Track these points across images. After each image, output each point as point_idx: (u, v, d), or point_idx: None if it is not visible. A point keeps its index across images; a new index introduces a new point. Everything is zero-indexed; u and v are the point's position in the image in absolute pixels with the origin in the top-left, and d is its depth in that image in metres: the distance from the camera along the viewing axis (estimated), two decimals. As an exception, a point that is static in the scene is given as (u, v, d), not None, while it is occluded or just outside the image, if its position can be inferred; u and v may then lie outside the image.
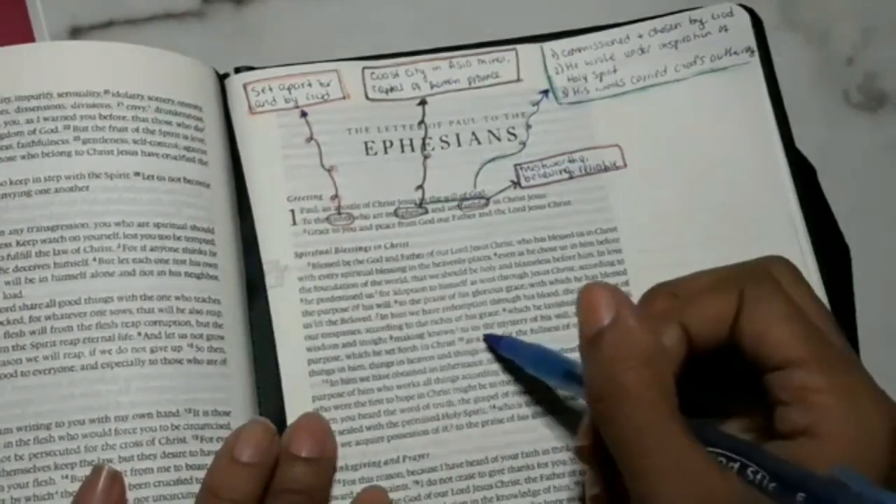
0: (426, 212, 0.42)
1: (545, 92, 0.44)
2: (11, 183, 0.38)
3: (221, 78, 0.43)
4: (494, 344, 0.40)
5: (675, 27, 0.45)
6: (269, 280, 0.40)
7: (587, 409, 0.33)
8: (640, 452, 0.29)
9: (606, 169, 0.43)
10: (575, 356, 0.40)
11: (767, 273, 0.34)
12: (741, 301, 0.33)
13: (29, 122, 0.39)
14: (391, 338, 0.40)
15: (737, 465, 0.30)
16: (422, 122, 0.43)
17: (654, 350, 0.30)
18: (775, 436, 0.31)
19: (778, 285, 0.33)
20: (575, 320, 0.40)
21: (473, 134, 0.43)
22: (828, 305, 0.41)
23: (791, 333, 0.32)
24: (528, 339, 0.40)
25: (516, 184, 0.43)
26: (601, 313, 0.31)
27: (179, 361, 0.37)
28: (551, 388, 0.39)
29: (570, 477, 0.39)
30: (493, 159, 0.43)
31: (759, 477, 0.30)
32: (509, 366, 0.40)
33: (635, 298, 0.41)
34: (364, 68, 0.44)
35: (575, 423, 0.40)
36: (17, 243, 0.37)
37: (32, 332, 0.37)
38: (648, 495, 0.29)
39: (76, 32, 0.46)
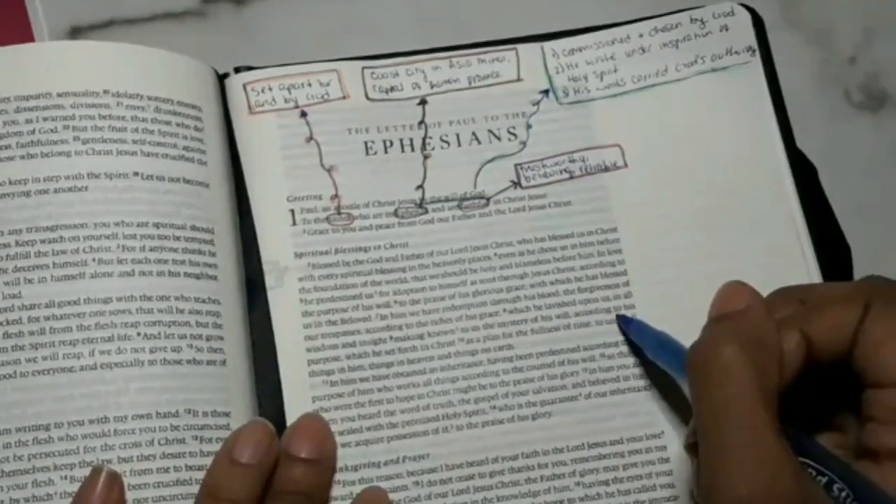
0: (426, 212, 0.42)
1: (546, 91, 0.44)
2: (10, 183, 0.38)
3: (221, 78, 0.43)
4: (625, 325, 0.40)
5: (676, 26, 0.45)
6: (269, 280, 0.40)
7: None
8: (723, 422, 0.29)
9: (607, 169, 0.43)
10: (590, 352, 0.40)
11: (890, 291, 0.33)
12: (864, 313, 0.32)
13: (28, 121, 0.38)
14: (391, 338, 0.40)
15: (825, 480, 0.30)
16: (422, 121, 0.43)
17: (769, 340, 0.31)
18: (861, 454, 0.31)
19: None
20: (575, 320, 0.41)
21: (473, 134, 0.43)
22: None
23: None
24: (528, 339, 0.40)
25: (516, 184, 0.43)
26: (736, 302, 0.32)
27: (179, 362, 0.37)
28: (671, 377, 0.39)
29: (570, 478, 0.39)
30: (493, 159, 0.43)
31: (843, 495, 0.30)
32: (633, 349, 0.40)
33: (636, 298, 0.41)
34: (364, 68, 0.43)
35: (575, 424, 0.40)
36: (17, 243, 0.37)
37: (32, 333, 0.37)
38: (719, 467, 0.29)
39: (76, 32, 0.46)
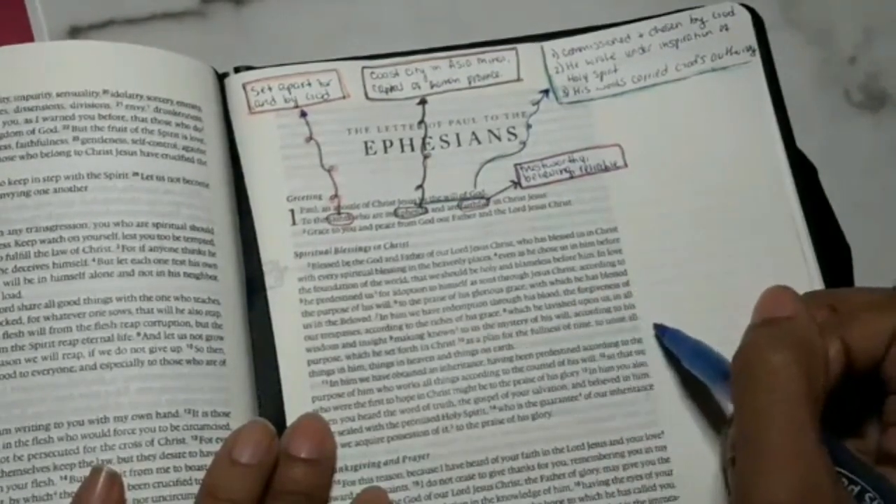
0: (426, 212, 0.42)
1: (545, 91, 0.44)
2: (10, 183, 0.38)
3: (221, 77, 0.43)
4: (661, 333, 0.40)
5: (676, 26, 0.45)
6: (269, 280, 0.40)
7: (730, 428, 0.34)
8: (767, 426, 0.29)
9: (607, 169, 0.43)
10: (590, 352, 0.40)
11: None
12: None
13: (28, 121, 0.38)
14: (391, 338, 0.40)
15: (857, 489, 0.30)
16: (422, 121, 0.43)
17: (816, 347, 0.31)
18: (882, 459, 0.31)
19: None
20: (575, 320, 0.41)
21: (473, 134, 0.43)
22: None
23: None
24: (528, 339, 0.40)
25: (516, 184, 0.43)
26: (784, 306, 0.32)
27: (179, 362, 0.37)
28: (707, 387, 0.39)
29: (570, 478, 0.39)
30: (493, 159, 0.43)
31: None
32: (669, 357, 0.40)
33: (636, 298, 0.41)
34: (364, 68, 0.43)
35: (575, 424, 0.40)
36: (16, 243, 0.37)
37: (31, 333, 0.37)
38: (760, 470, 0.29)
39: (75, 32, 0.46)
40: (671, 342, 0.40)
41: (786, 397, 0.30)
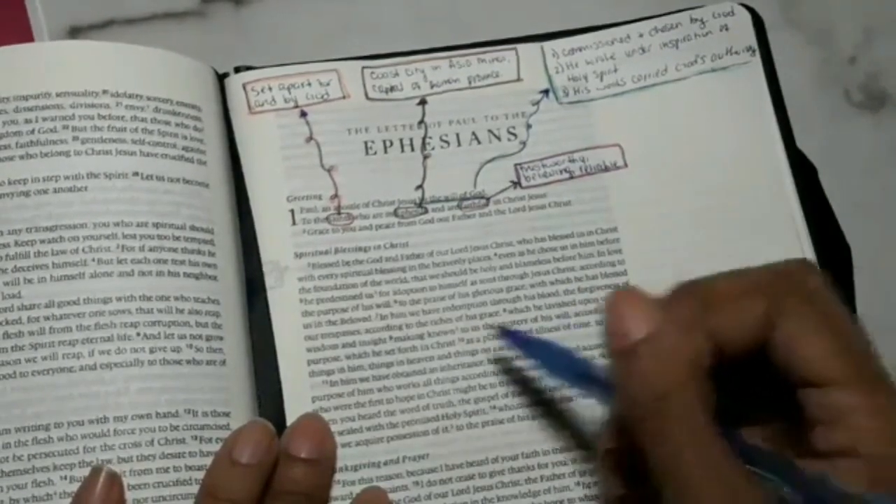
0: (426, 212, 0.42)
1: (545, 91, 0.44)
2: (10, 183, 0.38)
3: (221, 77, 0.43)
4: (507, 336, 0.39)
5: (676, 26, 0.45)
6: (269, 280, 0.40)
7: (609, 414, 0.33)
8: (681, 467, 0.29)
9: (607, 169, 0.43)
10: (590, 353, 0.40)
11: (798, 281, 0.33)
12: (773, 310, 0.31)
13: (27, 121, 0.38)
14: (391, 338, 0.40)
15: (768, 481, 0.30)
16: (422, 121, 0.43)
17: (696, 365, 0.30)
18: (810, 453, 0.31)
19: (810, 295, 0.32)
20: (575, 320, 0.41)
21: (473, 134, 0.43)
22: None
23: (827, 350, 0.31)
24: (529, 339, 0.40)
25: (516, 184, 0.43)
26: (636, 324, 0.30)
27: (178, 362, 0.37)
28: (555, 386, 0.39)
29: (570, 478, 0.39)
30: (493, 159, 0.43)
31: (795, 498, 0.29)
32: (508, 366, 0.40)
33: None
34: (364, 68, 0.43)
35: (575, 424, 0.39)
36: (16, 243, 0.37)
37: (31, 333, 0.37)
38: None
39: (75, 32, 0.46)
40: (520, 344, 0.39)
41: (688, 430, 0.29)
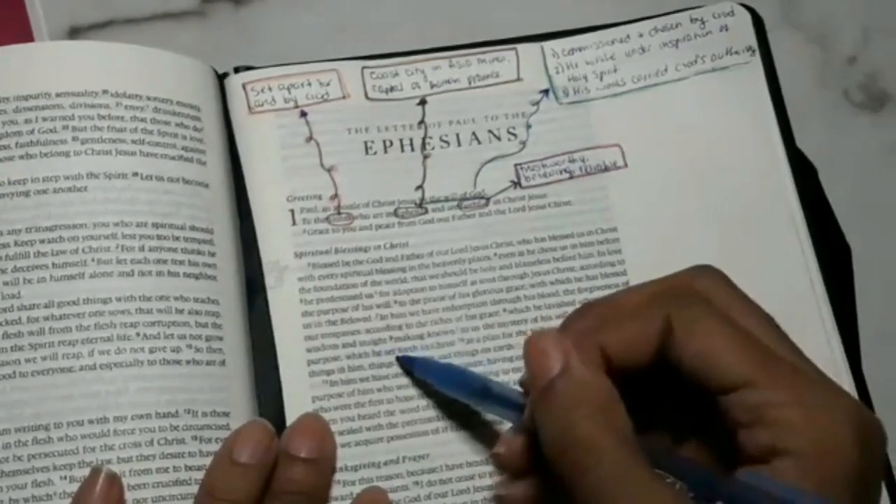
0: (426, 212, 0.42)
1: (545, 91, 0.44)
2: (10, 183, 0.38)
3: (221, 77, 0.43)
4: (409, 365, 0.39)
5: (676, 26, 0.45)
6: (269, 280, 0.40)
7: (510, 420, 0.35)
8: (606, 500, 0.29)
9: (607, 169, 0.43)
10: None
11: (693, 289, 0.33)
12: (670, 324, 0.32)
13: (27, 121, 0.38)
14: (391, 338, 0.40)
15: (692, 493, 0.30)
16: (422, 121, 0.43)
17: (607, 394, 0.30)
18: (745, 460, 0.30)
19: (708, 302, 0.32)
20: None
21: (473, 134, 0.43)
22: (829, 304, 0.41)
23: (734, 354, 0.31)
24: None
25: (516, 184, 0.43)
26: (550, 363, 0.31)
27: (178, 362, 0.37)
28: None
29: (570, 478, 0.39)
30: (493, 159, 0.43)
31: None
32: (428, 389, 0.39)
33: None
34: (364, 68, 0.43)
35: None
36: (16, 243, 0.37)
37: (31, 333, 0.37)
38: None
39: (75, 32, 0.46)
40: (422, 371, 0.39)
41: (613, 464, 0.29)
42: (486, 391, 0.36)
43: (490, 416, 0.39)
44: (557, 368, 0.31)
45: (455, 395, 0.38)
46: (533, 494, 0.33)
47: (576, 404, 0.30)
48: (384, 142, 0.43)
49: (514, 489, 0.34)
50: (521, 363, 0.40)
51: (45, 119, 0.38)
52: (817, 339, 0.41)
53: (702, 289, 0.33)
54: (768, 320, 0.33)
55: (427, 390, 0.39)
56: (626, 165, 0.43)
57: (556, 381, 0.30)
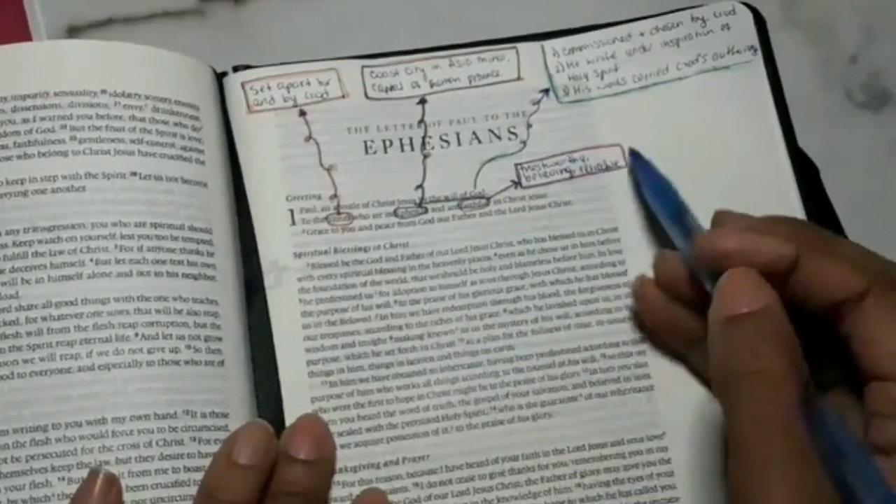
0: (426, 212, 0.42)
1: (546, 91, 0.44)
2: (7, 183, 0.38)
3: (219, 77, 0.43)
4: (634, 161, 0.42)
5: (677, 25, 0.45)
6: (268, 280, 0.40)
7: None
8: (761, 439, 0.29)
9: (608, 168, 0.43)
10: (590, 353, 0.40)
11: (890, 273, 0.33)
12: (865, 296, 0.32)
13: (25, 121, 0.38)
14: (391, 338, 0.40)
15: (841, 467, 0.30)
16: (422, 121, 0.43)
17: (797, 347, 0.30)
18: (871, 450, 0.31)
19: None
20: (576, 321, 0.41)
21: (474, 133, 0.43)
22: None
23: None
24: (529, 339, 0.40)
25: (517, 183, 0.43)
26: (749, 297, 0.31)
27: (177, 363, 0.37)
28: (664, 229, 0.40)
29: (570, 479, 0.39)
30: (493, 159, 0.43)
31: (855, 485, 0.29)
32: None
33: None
34: (363, 67, 0.43)
35: (575, 425, 0.39)
36: (14, 244, 0.37)
37: (29, 333, 0.36)
38: (760, 482, 0.29)
39: (74, 31, 0.46)
40: (640, 170, 0.41)
41: (781, 404, 0.29)
42: (678, 215, 0.39)
43: (490, 417, 0.39)
44: (755, 306, 0.31)
45: (653, 207, 0.40)
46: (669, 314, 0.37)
47: (769, 339, 0.30)
48: (384, 141, 0.42)
49: (660, 299, 0.38)
50: (521, 364, 0.40)
51: (43, 118, 0.38)
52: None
53: (891, 273, 0.33)
54: None
55: (427, 390, 0.39)
56: (626, 165, 0.43)
57: (753, 315, 0.31)
